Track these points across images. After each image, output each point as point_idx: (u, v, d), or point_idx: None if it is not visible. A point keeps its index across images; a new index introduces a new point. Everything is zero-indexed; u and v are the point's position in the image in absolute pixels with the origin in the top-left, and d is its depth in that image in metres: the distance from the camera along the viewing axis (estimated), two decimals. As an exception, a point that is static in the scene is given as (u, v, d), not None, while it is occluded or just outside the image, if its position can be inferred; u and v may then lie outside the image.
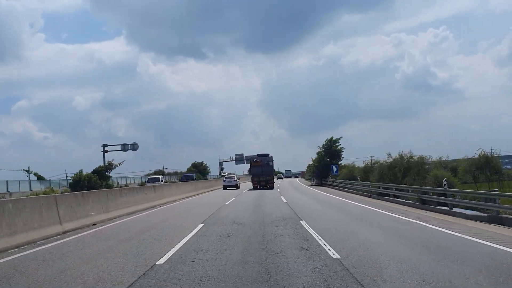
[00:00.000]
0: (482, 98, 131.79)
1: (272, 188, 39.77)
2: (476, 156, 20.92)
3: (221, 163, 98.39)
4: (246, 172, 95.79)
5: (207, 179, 69.02)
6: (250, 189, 39.35)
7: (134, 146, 52.97)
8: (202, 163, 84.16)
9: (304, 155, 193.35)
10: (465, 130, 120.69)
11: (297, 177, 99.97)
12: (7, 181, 33.57)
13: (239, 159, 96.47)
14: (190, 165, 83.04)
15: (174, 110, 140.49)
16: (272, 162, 42.73)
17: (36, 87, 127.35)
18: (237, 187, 43.26)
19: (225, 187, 42.87)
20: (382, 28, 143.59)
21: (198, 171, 76.14)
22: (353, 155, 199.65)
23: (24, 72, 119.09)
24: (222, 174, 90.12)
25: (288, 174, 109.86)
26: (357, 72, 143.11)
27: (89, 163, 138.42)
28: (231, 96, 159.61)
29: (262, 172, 40.86)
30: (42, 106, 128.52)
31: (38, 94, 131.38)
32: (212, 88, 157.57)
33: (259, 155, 43.61)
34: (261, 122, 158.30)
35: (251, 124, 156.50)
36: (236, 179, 45.18)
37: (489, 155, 20.58)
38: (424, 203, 17.03)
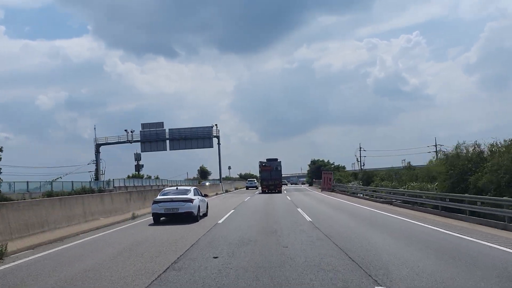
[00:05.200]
0: (451, 105, 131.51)
1: (280, 192, 41.41)
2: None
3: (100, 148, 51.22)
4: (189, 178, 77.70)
5: None
6: (260, 193, 41.85)
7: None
8: None
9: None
10: (433, 137, 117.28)
11: (304, 183, 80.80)
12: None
13: (150, 139, 48.51)
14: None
15: (143, 111, 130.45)
16: (281, 167, 44.40)
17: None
18: (256, 188, 56.44)
19: (247, 187, 58.03)
20: (355, 32, 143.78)
21: None
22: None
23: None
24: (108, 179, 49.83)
25: (294, 180, 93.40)
26: (329, 77, 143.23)
27: (54, 165, 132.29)
28: (203, 98, 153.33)
29: (271, 177, 42.73)
30: (3, 105, 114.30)
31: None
32: (183, 88, 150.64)
33: (268, 160, 45.09)
34: (232, 125, 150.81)
35: (222, 127, 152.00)
36: (256, 181, 60.46)
37: None
38: None
